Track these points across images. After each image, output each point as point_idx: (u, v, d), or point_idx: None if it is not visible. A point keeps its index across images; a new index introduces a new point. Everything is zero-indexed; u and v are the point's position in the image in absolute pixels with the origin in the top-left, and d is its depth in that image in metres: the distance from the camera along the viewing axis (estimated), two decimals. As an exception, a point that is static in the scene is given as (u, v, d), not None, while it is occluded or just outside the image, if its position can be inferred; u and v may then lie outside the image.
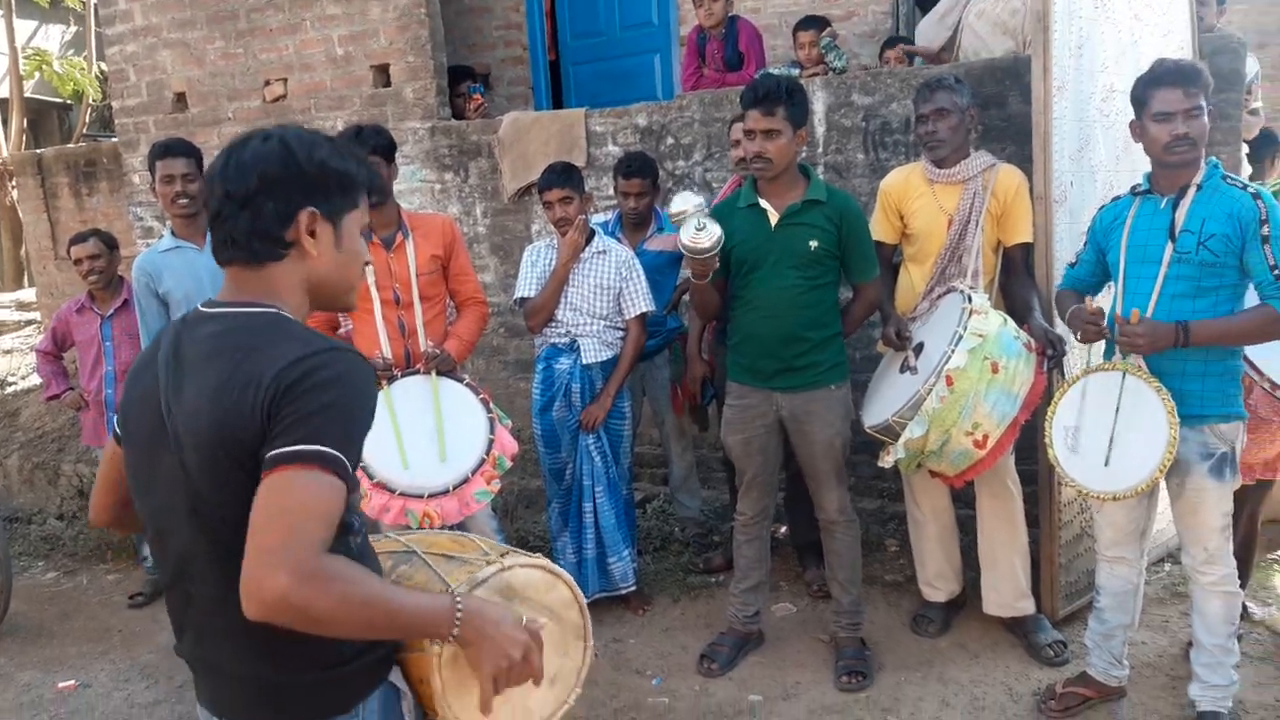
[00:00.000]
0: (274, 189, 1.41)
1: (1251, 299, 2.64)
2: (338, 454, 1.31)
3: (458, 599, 1.38)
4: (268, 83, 5.63)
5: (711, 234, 2.94)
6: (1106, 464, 2.70)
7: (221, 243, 1.45)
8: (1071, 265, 3.04)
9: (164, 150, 3.62)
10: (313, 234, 1.44)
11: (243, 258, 1.44)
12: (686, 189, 4.76)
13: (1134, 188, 2.82)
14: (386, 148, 3.37)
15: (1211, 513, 2.69)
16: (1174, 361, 2.64)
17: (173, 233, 3.72)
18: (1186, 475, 2.69)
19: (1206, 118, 2.62)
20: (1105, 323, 2.74)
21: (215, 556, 1.37)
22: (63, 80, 10.71)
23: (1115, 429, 2.69)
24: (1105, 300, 2.89)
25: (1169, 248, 2.65)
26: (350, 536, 1.42)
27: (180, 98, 5.90)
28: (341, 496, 1.31)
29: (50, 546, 5.37)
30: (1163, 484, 2.76)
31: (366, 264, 1.59)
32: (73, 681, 3.79)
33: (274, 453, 1.29)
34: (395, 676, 1.51)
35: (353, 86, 5.40)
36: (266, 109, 5.63)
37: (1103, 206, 2.95)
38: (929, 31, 4.88)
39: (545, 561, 1.60)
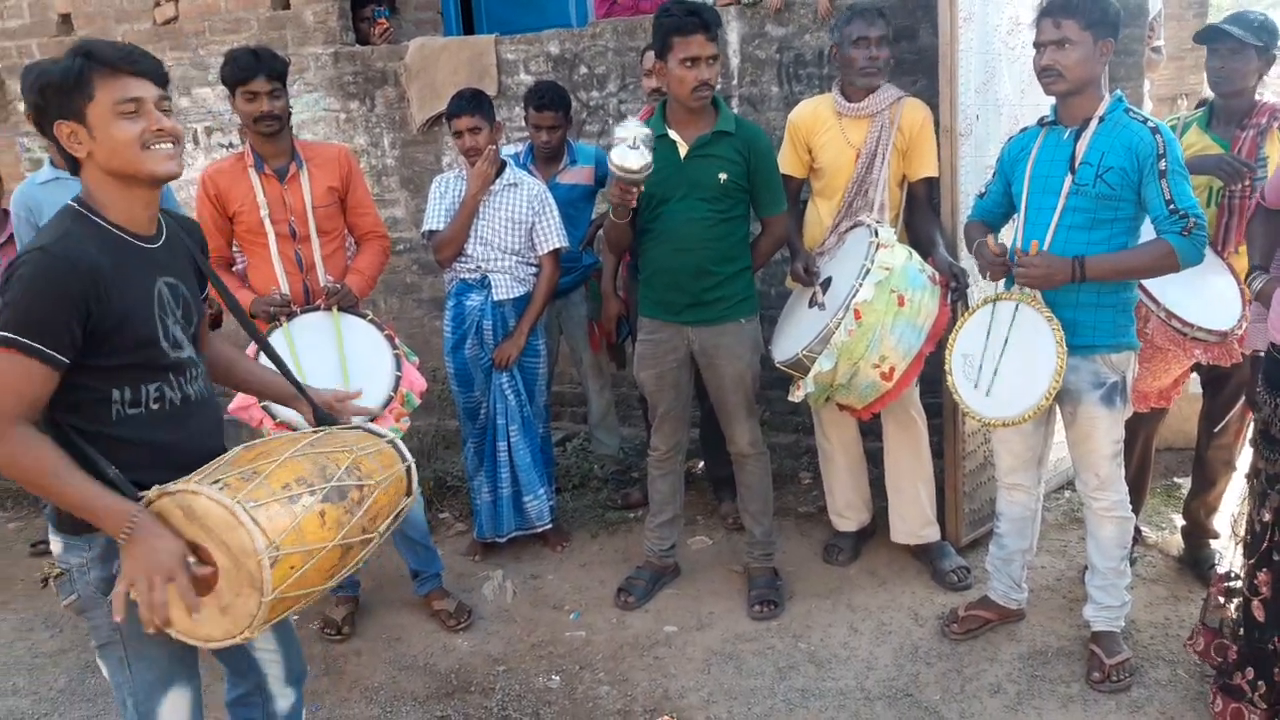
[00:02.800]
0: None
1: (1147, 233, 2.69)
2: (13, 335, 1.63)
3: (134, 515, 1.67)
4: (158, 3, 5.30)
5: (643, 156, 2.84)
6: (996, 392, 2.76)
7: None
8: (980, 196, 3.06)
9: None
10: (74, 138, 1.73)
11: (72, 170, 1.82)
12: (601, 120, 4.67)
13: (1041, 119, 2.84)
14: (280, 73, 3.20)
15: (1103, 440, 2.77)
16: (1067, 293, 2.68)
17: (51, 163, 3.52)
18: (1078, 404, 2.76)
19: (1086, 50, 2.59)
20: (1008, 258, 2.77)
21: None
22: (-63, 0, 9.99)
23: (1007, 357, 2.75)
24: (1010, 233, 2.92)
25: (1068, 179, 2.67)
26: (115, 407, 1.76)
27: (65, 19, 5.53)
28: (25, 370, 1.64)
29: (-55, 495, 5.15)
30: (1059, 412, 2.84)
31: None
32: (-30, 634, 3.67)
33: None
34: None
35: (249, 8, 5.12)
36: (157, 31, 5.31)
37: (1011, 138, 2.97)
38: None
39: (235, 507, 1.67)
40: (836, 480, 3.61)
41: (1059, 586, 3.40)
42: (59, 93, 1.71)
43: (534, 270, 3.71)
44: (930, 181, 3.33)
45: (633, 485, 4.35)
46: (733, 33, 4.35)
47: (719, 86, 3.44)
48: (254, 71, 3.09)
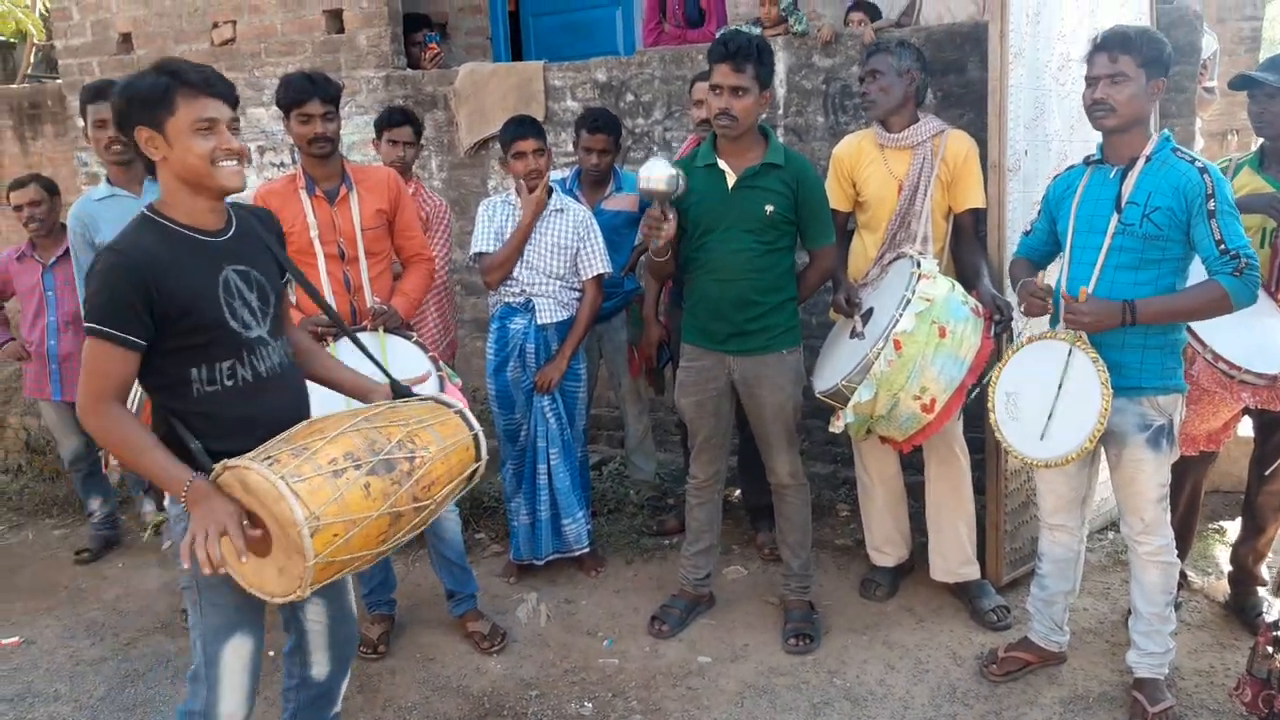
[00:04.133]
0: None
1: (1197, 273, 2.65)
2: (95, 325, 1.90)
3: (188, 482, 1.91)
4: (216, 25, 5.45)
5: (666, 169, 2.90)
6: (1042, 432, 2.73)
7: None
8: (1026, 233, 3.04)
9: (94, 94, 3.46)
10: (151, 143, 1.96)
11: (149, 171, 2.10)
12: (646, 147, 4.71)
13: (1087, 157, 2.82)
14: (334, 98, 3.26)
15: (1148, 483, 2.73)
16: (1114, 333, 2.64)
17: (108, 180, 3.60)
18: (1124, 446, 2.72)
19: (1138, 87, 2.57)
20: (1052, 299, 2.74)
21: None
22: (4, 19, 10.32)
23: (1052, 397, 2.71)
24: (1057, 271, 2.89)
25: (1114, 219, 2.64)
26: (195, 385, 2.01)
27: (126, 38, 5.71)
28: (106, 353, 1.91)
29: (-6, 501, 5.27)
30: (1104, 453, 2.80)
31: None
32: (16, 638, 3.73)
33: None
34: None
35: (304, 32, 5.24)
36: (215, 52, 5.45)
37: (1056, 175, 2.94)
38: (888, -10, 4.82)
39: (278, 482, 1.85)
40: (875, 515, 3.58)
41: (1101, 630, 3.34)
42: (144, 104, 1.94)
43: (577, 295, 3.73)
44: (976, 213, 3.32)
45: (669, 511, 4.34)
46: (780, 63, 4.37)
47: (764, 116, 3.46)
48: (309, 95, 3.16)
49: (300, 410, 2.19)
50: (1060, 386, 2.70)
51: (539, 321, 3.67)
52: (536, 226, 3.61)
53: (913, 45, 3.35)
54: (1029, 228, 3.02)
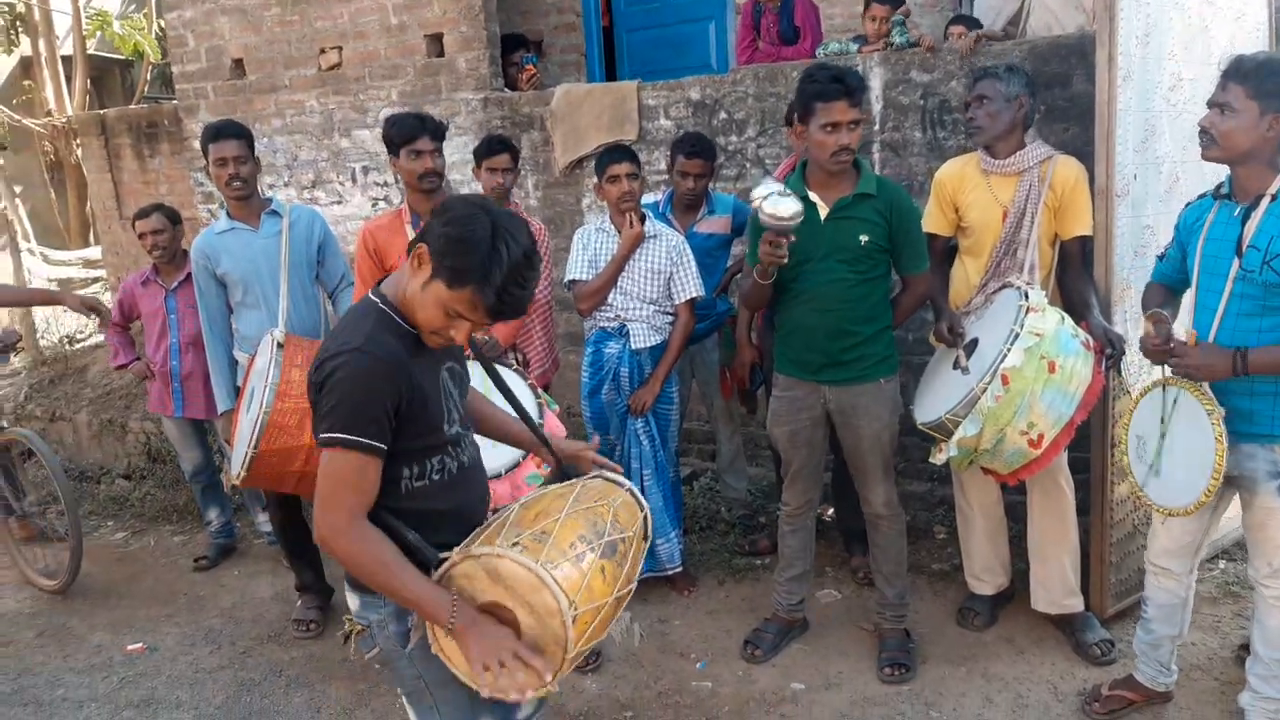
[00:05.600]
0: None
1: None
2: (348, 436, 1.75)
3: (454, 607, 1.78)
4: (323, 50, 5.64)
5: (793, 203, 2.85)
6: (1165, 478, 2.66)
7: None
8: (1160, 258, 2.91)
9: (215, 133, 3.65)
10: (419, 263, 1.81)
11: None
12: (739, 165, 4.71)
13: (1217, 188, 2.70)
14: (440, 134, 3.38)
15: (1279, 531, 2.63)
16: (1241, 380, 2.54)
17: (228, 214, 3.78)
18: (1255, 493, 2.62)
19: (1247, 120, 2.45)
20: (1169, 343, 2.64)
21: None
22: (123, 40, 10.85)
23: (1173, 445, 2.64)
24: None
25: (1234, 264, 2.54)
26: (404, 483, 1.89)
27: (238, 64, 5.95)
28: (361, 466, 1.77)
29: (118, 506, 5.58)
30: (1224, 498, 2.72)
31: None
32: (140, 644, 3.96)
33: (317, 435, 1.81)
34: None
35: (406, 56, 5.39)
36: (322, 77, 5.66)
37: (1189, 204, 2.82)
38: (990, 2, 4.71)
39: (540, 570, 1.77)
40: (975, 542, 3.53)
41: (1210, 667, 3.23)
42: (454, 268, 1.78)
43: (670, 319, 3.77)
44: (1084, 240, 3.23)
45: (760, 531, 4.35)
46: (875, 79, 4.32)
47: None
48: (418, 132, 3.29)
49: (485, 497, 2.13)
50: (1177, 434, 2.62)
51: (633, 346, 3.72)
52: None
53: (1022, 70, 3.28)
54: (1163, 252, 2.91)
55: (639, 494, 2.10)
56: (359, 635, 1.99)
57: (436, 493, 1.95)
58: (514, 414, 2.30)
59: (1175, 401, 2.63)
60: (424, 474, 1.92)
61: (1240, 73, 2.46)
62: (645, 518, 2.07)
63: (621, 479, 2.13)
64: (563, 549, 1.82)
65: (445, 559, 1.85)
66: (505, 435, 2.34)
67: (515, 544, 1.82)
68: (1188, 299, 2.82)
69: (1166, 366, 2.67)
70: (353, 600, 2.00)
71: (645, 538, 2.07)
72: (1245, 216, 2.55)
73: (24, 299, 5.96)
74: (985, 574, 3.55)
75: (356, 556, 1.80)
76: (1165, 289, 2.88)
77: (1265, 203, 2.50)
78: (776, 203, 2.85)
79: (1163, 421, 2.68)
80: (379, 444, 1.78)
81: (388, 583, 1.80)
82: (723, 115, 4.74)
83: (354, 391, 1.76)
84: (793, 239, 2.94)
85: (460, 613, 1.78)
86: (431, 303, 1.79)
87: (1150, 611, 2.93)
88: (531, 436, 2.29)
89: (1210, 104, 2.53)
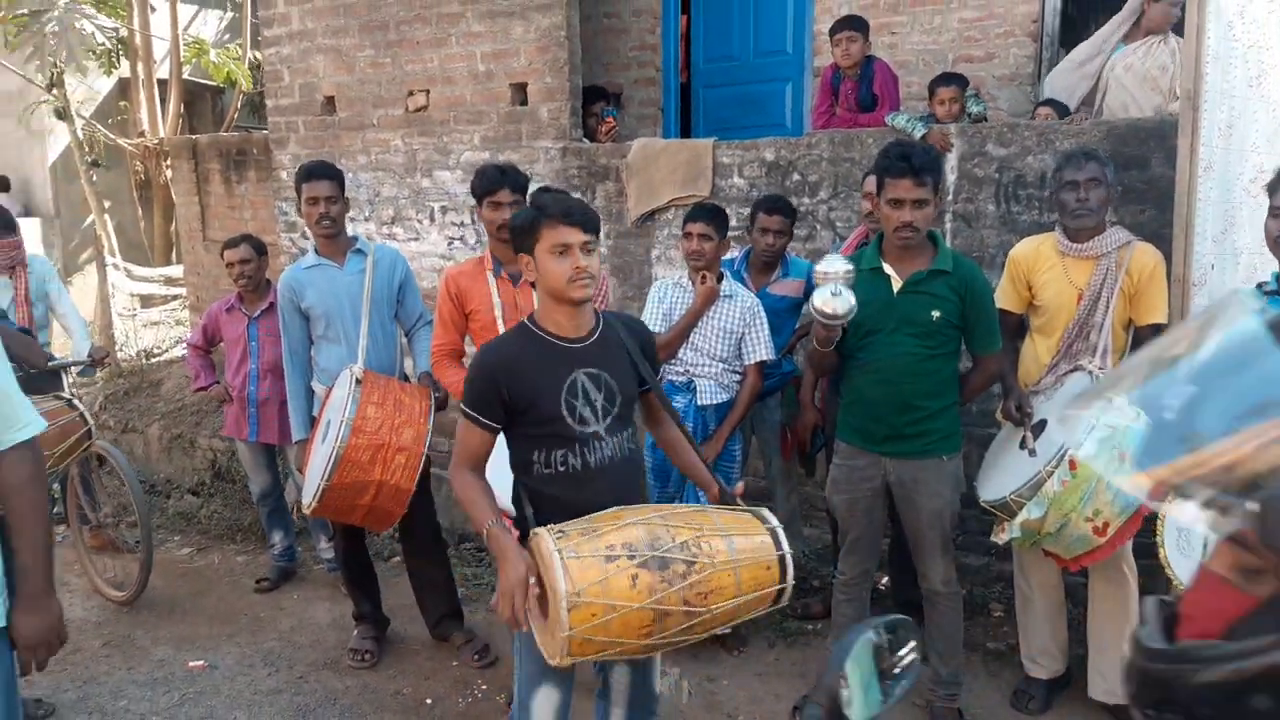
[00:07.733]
0: (516, 247, 2.41)
1: None
2: (463, 407, 2.36)
3: (489, 524, 2.23)
4: (411, 93, 5.83)
5: (846, 301, 2.92)
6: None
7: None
8: None
9: (308, 174, 3.81)
10: (528, 267, 2.35)
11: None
12: (810, 226, 4.77)
13: (1261, 285, 2.69)
14: (522, 187, 3.49)
15: None
16: None
17: (316, 250, 3.92)
18: None
19: None
20: None
21: None
22: (218, 68, 11.29)
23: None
24: None
25: None
26: (535, 466, 2.34)
27: (329, 101, 6.17)
28: (467, 431, 2.35)
29: (185, 521, 5.74)
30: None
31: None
32: (202, 661, 4.07)
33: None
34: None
35: (491, 103, 5.56)
36: (409, 118, 5.84)
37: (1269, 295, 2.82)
38: (1064, 79, 4.73)
39: (553, 552, 2.06)
40: (1033, 624, 3.49)
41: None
42: (518, 234, 2.36)
43: (738, 378, 3.81)
44: (1158, 328, 3.22)
45: (814, 595, 4.33)
46: (952, 151, 4.36)
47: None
48: (500, 184, 3.41)
49: (622, 501, 2.33)
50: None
51: (699, 402, 3.77)
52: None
53: (1108, 142, 3.28)
54: None
55: (781, 536, 2.24)
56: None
57: (558, 482, 2.33)
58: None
59: None
60: (550, 463, 2.32)
61: None
62: (783, 557, 2.19)
63: (768, 518, 2.30)
64: (597, 546, 2.06)
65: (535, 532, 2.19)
66: (682, 464, 2.68)
67: (561, 531, 2.11)
68: None
69: None
70: None
71: (782, 580, 2.19)
72: None
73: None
74: (1042, 657, 3.50)
75: (458, 490, 2.36)
76: None
77: None
78: (827, 300, 2.93)
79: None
80: (480, 418, 2.31)
81: (470, 511, 2.34)
82: (796, 176, 4.81)
83: (472, 378, 2.34)
84: (841, 334, 3.04)
85: (496, 542, 2.21)
86: (544, 264, 2.28)
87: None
88: (705, 475, 2.60)
89: (1274, 207, 2.53)
